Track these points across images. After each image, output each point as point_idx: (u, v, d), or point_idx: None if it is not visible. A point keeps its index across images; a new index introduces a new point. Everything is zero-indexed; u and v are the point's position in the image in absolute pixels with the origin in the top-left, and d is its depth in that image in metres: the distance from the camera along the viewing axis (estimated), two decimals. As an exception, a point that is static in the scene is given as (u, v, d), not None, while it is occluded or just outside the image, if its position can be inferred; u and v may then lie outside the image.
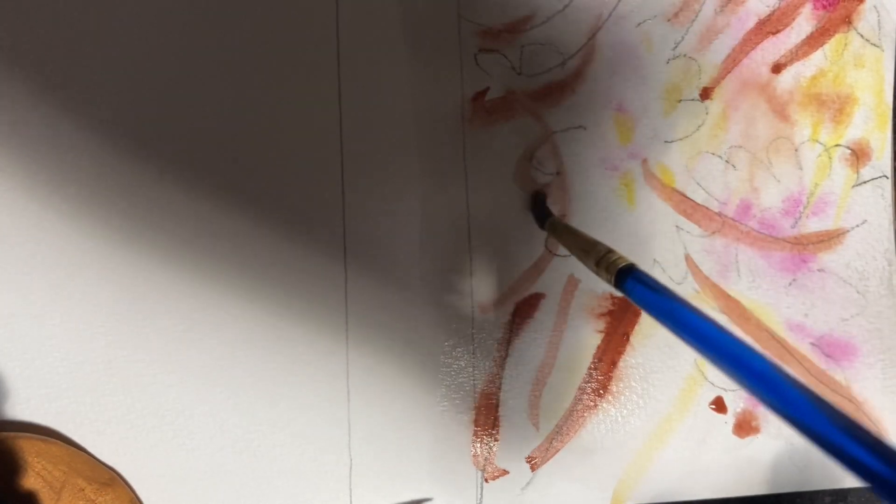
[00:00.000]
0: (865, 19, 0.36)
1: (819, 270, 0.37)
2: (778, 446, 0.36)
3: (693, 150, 0.36)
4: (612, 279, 0.24)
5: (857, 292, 0.37)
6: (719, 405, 0.36)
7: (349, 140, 0.34)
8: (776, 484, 0.36)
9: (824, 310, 0.37)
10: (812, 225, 0.37)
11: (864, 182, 0.37)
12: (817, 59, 0.36)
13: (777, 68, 0.36)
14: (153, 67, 0.33)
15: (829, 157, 0.37)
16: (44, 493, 0.30)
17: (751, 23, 0.36)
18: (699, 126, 0.36)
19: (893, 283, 0.37)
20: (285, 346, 0.33)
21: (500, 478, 0.34)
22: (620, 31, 0.35)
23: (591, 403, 0.35)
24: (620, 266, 0.24)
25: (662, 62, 0.35)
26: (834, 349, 0.37)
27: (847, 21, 0.36)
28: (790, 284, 0.36)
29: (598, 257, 0.26)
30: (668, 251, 0.36)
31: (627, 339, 0.35)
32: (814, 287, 0.36)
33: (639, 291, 0.23)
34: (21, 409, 0.32)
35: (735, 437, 0.36)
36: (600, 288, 0.35)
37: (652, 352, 0.35)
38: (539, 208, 0.34)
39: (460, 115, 0.34)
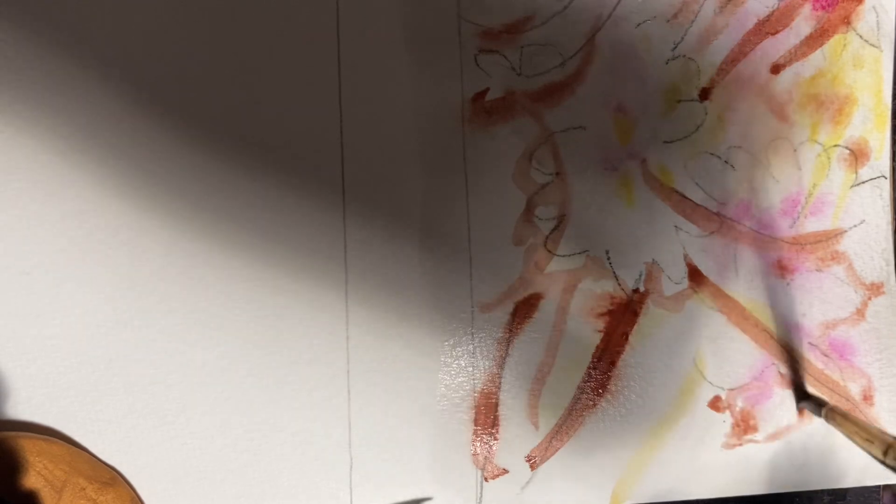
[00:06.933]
0: (864, 20, 0.37)
1: (817, 270, 0.37)
2: (776, 446, 0.36)
3: (692, 151, 0.36)
4: None
5: (855, 292, 0.37)
6: (718, 405, 0.36)
7: (349, 140, 0.34)
8: (775, 483, 0.36)
9: (822, 309, 0.37)
10: (810, 225, 0.37)
11: (863, 182, 0.37)
12: (816, 59, 0.36)
13: (776, 69, 0.36)
14: (152, 68, 0.33)
15: (828, 158, 0.37)
16: (45, 493, 0.30)
17: (750, 23, 0.36)
18: (698, 126, 0.36)
19: (891, 283, 0.37)
20: (285, 346, 0.33)
21: (500, 477, 0.35)
22: (620, 32, 0.35)
23: (591, 403, 0.35)
24: None
25: (662, 63, 0.36)
26: (832, 349, 0.37)
27: (846, 22, 0.36)
28: (788, 284, 0.37)
29: (886, 447, 0.26)
30: (666, 251, 0.36)
31: (626, 338, 0.35)
32: (811, 287, 0.37)
33: None
34: (22, 409, 0.32)
35: (734, 437, 0.36)
36: (599, 287, 0.35)
37: (651, 351, 0.36)
38: (809, 399, 0.35)
39: (460, 115, 0.34)
